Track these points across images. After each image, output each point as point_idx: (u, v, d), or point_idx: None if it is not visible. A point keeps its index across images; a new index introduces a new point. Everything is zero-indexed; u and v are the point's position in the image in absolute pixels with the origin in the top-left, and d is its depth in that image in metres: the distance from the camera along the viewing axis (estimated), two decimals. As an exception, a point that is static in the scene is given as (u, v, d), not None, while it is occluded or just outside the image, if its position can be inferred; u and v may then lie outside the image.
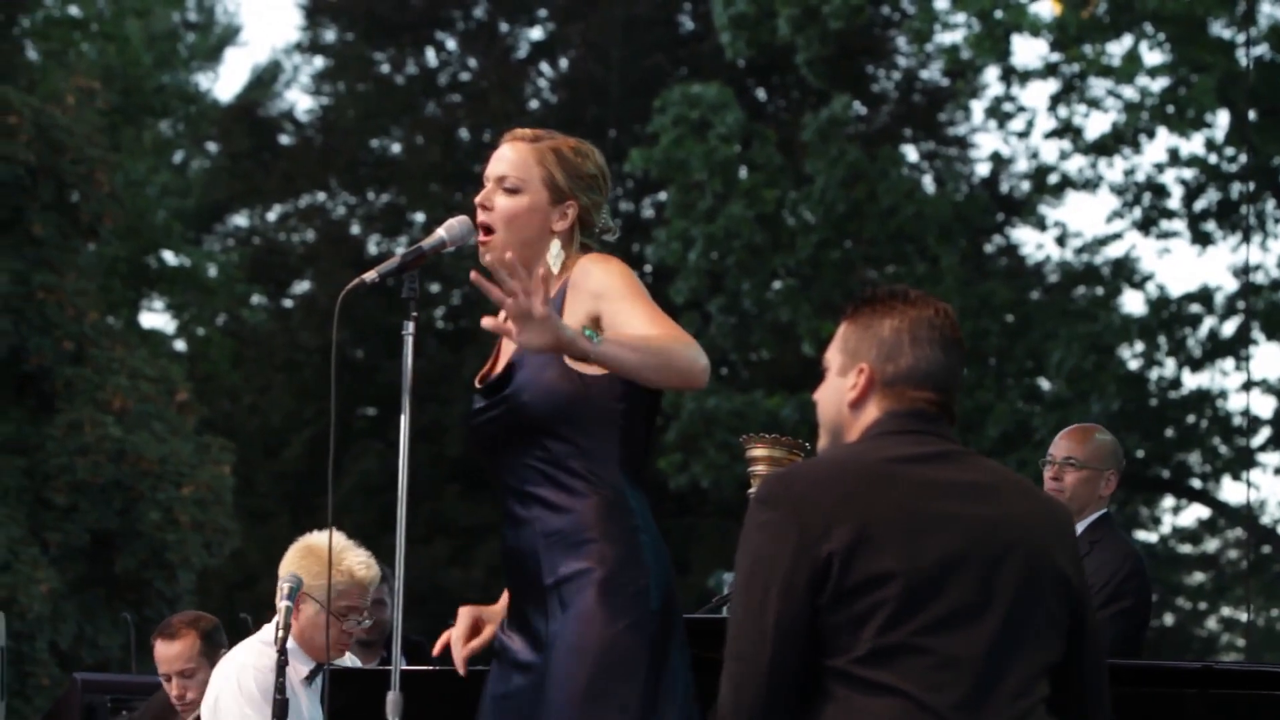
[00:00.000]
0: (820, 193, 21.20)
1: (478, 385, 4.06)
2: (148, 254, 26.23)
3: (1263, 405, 21.33)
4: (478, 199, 4.05)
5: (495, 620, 4.06)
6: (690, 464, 21.43)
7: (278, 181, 27.75)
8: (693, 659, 3.92)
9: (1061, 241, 23.10)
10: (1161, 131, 21.00)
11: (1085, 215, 56.09)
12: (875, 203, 21.30)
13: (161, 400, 18.51)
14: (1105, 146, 21.33)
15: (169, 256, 26.84)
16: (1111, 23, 20.43)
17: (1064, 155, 21.89)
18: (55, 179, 18.14)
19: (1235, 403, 22.41)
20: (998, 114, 22.49)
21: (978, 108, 24.06)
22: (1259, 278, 20.52)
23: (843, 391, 3.28)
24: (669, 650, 3.83)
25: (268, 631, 5.71)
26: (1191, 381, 21.88)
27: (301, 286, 28.14)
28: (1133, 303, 27.33)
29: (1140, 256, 30.05)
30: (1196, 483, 22.76)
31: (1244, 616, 25.93)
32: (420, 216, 26.91)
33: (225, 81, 55.84)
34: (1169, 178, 21.57)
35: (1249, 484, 22.48)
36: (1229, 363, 21.55)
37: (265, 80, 29.77)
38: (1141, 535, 24.32)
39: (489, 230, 4.02)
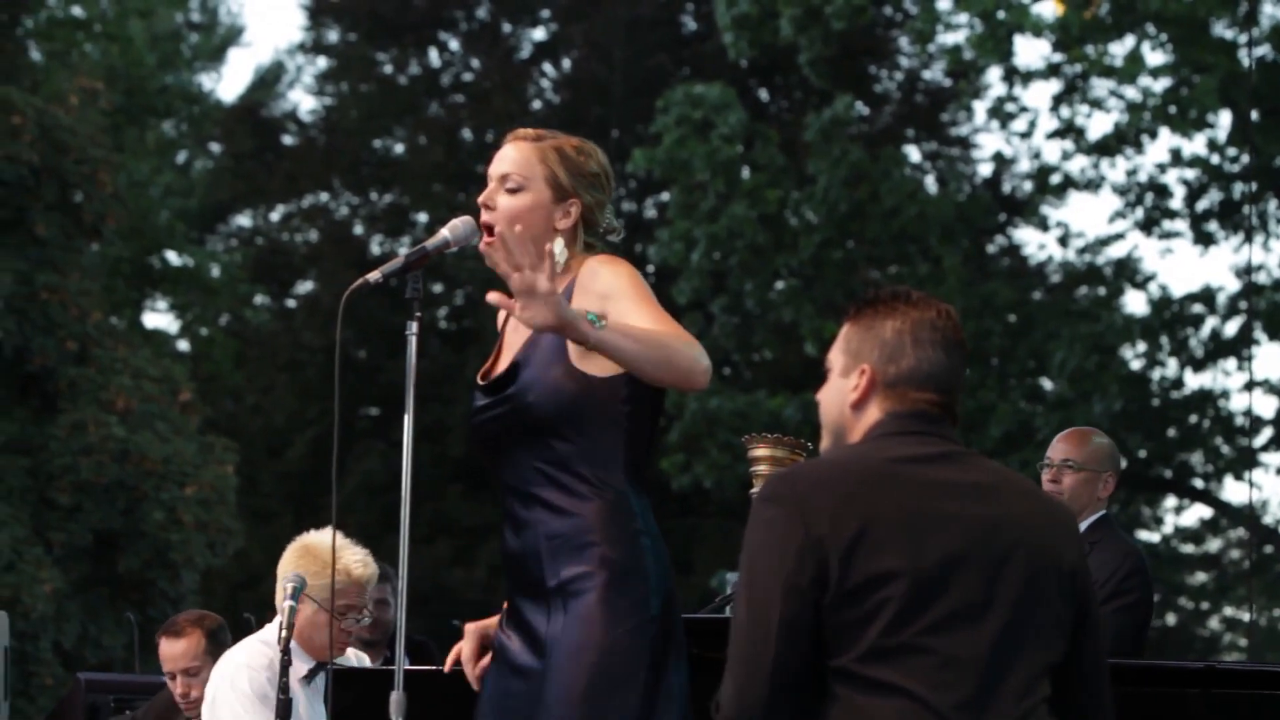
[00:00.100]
0: (823, 193, 21.19)
1: (480, 382, 4.04)
2: (151, 254, 26.25)
3: (1265, 405, 21.36)
4: (480, 198, 4.04)
5: None
6: (693, 464, 21.42)
7: (281, 182, 27.74)
8: (695, 658, 3.92)
9: (1064, 242, 23.10)
10: (1164, 132, 21.00)
11: (1087, 215, 56.20)
12: (878, 203, 21.29)
13: (165, 400, 18.51)
14: (1107, 147, 21.32)
15: (172, 257, 26.86)
16: (1114, 23, 20.42)
17: (1066, 156, 21.89)
18: (59, 179, 18.15)
19: (1237, 403, 22.45)
20: (1000, 114, 22.49)
21: (980, 108, 24.07)
22: (1261, 278, 20.50)
23: (845, 392, 3.28)
24: (668, 655, 3.83)
25: (267, 631, 5.72)
26: (1194, 382, 21.91)
27: (304, 287, 28.13)
28: (1135, 303, 27.39)
29: (1142, 257, 30.06)
30: (1199, 483, 22.75)
31: (1246, 616, 25.94)
32: (423, 217, 26.91)
33: (228, 82, 55.86)
34: (1171, 178, 21.58)
35: (1251, 484, 22.51)
36: (1231, 363, 21.56)
37: (268, 80, 29.78)
38: (1143, 535, 24.30)
39: (492, 230, 4.00)
